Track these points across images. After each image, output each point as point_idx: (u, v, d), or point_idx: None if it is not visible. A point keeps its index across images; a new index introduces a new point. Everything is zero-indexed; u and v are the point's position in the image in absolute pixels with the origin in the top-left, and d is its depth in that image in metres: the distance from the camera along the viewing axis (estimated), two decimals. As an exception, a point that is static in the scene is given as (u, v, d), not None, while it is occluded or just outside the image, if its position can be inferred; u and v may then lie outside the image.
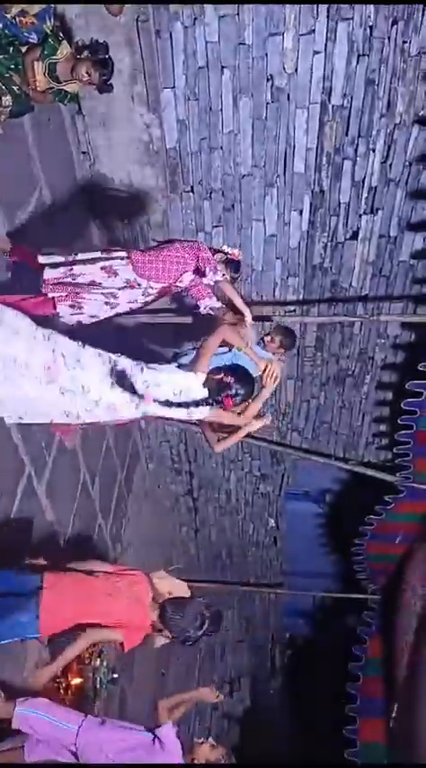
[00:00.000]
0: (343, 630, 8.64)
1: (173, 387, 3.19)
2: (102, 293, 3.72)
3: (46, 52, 3.63)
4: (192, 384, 3.23)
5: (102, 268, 3.68)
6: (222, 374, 3.29)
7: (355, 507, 7.54)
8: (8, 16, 3.49)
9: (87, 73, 3.68)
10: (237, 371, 3.34)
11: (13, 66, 3.62)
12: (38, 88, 3.73)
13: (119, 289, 3.75)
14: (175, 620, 3.35)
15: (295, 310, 5.89)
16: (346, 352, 6.33)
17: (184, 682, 9.44)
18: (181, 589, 3.82)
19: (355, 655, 7.76)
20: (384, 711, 7.29)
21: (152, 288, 3.81)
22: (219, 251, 4.06)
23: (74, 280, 3.66)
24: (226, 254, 4.04)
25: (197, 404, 3.22)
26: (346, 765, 7.13)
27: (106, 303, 3.78)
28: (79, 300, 3.69)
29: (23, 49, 3.63)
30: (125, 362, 3.15)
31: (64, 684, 4.66)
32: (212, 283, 3.93)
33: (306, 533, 8.94)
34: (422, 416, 5.86)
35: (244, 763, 9.27)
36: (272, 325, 4.98)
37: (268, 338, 4.71)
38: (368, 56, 4.42)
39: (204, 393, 3.24)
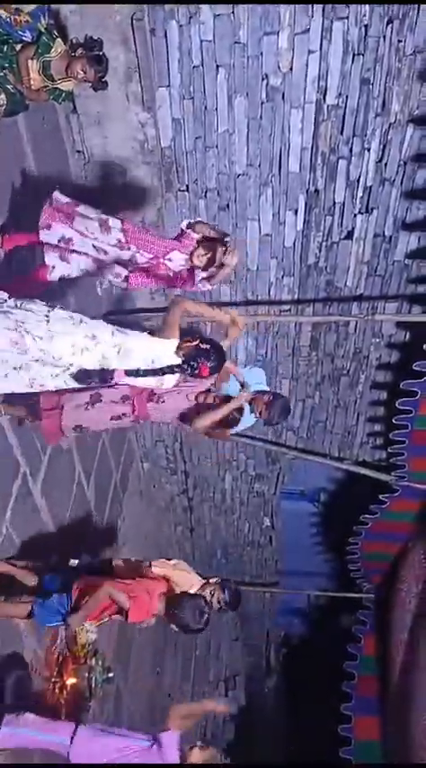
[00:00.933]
0: (338, 629, 8.66)
1: (145, 354, 3.10)
2: (93, 245, 3.81)
3: (40, 50, 3.61)
4: (165, 350, 3.14)
5: (98, 220, 3.80)
6: (197, 341, 3.20)
7: (350, 506, 7.56)
8: (2, 15, 3.47)
9: (82, 70, 3.66)
10: (212, 341, 3.27)
11: (7, 65, 3.61)
12: (32, 86, 3.72)
13: (111, 245, 3.82)
14: (178, 617, 3.49)
15: (290, 310, 5.89)
16: (341, 351, 6.34)
17: (180, 680, 9.45)
18: (183, 580, 3.86)
19: (350, 653, 7.78)
20: (379, 710, 7.31)
21: (141, 256, 3.86)
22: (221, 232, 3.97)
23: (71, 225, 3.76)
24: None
25: (171, 371, 3.13)
26: (343, 765, 7.15)
27: (95, 260, 3.84)
28: (69, 254, 3.77)
29: (17, 48, 3.61)
30: (95, 325, 3.07)
31: (59, 684, 4.66)
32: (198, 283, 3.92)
33: (302, 532, 8.95)
34: (417, 416, 5.88)
35: (240, 762, 9.28)
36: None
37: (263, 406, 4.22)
38: (363, 55, 4.42)
39: (176, 360, 3.14)
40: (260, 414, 4.10)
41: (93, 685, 5.24)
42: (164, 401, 3.88)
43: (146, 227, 4.04)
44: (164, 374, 3.11)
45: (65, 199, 3.85)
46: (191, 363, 3.12)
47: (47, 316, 2.95)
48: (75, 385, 3.15)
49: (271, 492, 8.35)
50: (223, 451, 7.78)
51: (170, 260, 3.90)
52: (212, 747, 3.61)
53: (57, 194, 3.85)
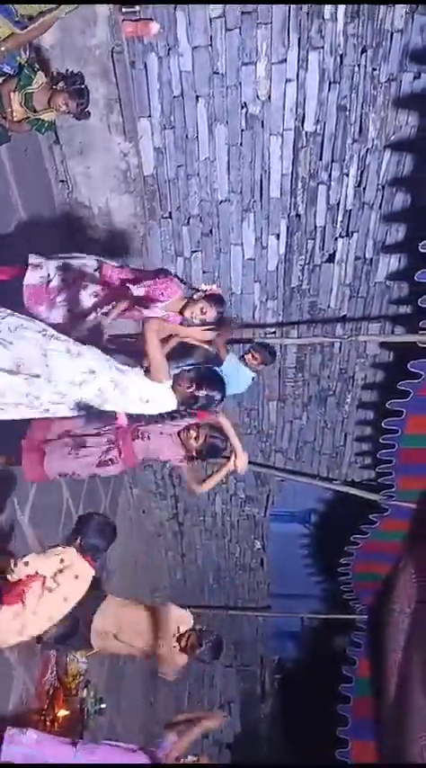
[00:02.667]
0: (332, 651, 8.59)
1: (141, 392, 3.06)
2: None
3: (22, 83, 3.67)
4: (160, 392, 3.08)
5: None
6: (192, 386, 3.12)
7: (340, 527, 7.54)
8: None
9: (64, 103, 3.72)
10: (204, 376, 3.19)
11: (-13, 99, 3.66)
12: (14, 118, 3.77)
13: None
14: None
15: (275, 332, 5.94)
16: (327, 372, 6.39)
17: (173, 709, 9.30)
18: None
19: (345, 675, 7.71)
20: (375, 733, 7.23)
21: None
22: (196, 290, 3.91)
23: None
24: (204, 291, 3.84)
25: (166, 416, 3.12)
26: (341, 764, 7.07)
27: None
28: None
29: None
30: (93, 356, 3.02)
31: (50, 717, 4.57)
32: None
33: (293, 554, 8.91)
34: (404, 435, 5.91)
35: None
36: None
37: (248, 356, 4.75)
38: (339, 83, 4.53)
39: (173, 403, 3.09)
40: (252, 360, 4.67)
41: (86, 717, 5.15)
42: (149, 438, 3.85)
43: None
44: (158, 421, 3.10)
45: (35, 279, 3.67)
46: (188, 410, 3.10)
47: (44, 352, 2.89)
48: (73, 413, 3.11)
49: (262, 514, 8.33)
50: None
51: (147, 308, 3.85)
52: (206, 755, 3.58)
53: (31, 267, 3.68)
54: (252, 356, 4.73)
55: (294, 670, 10.19)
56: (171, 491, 8.09)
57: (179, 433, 3.79)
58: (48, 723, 4.51)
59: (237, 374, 4.63)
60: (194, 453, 3.78)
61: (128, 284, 3.78)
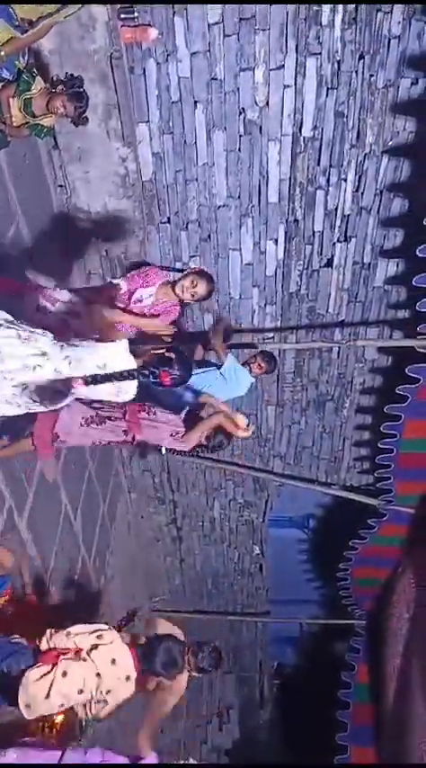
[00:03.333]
0: (331, 657, 8.56)
1: (96, 359, 2.97)
2: None
3: (20, 88, 3.68)
4: (115, 354, 2.98)
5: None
6: (164, 350, 3.10)
7: (339, 532, 7.53)
8: None
9: (62, 106, 3.73)
10: (180, 353, 3.15)
11: (-14, 104, 3.67)
12: (13, 123, 3.78)
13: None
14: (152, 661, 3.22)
15: (273, 337, 5.94)
16: (325, 377, 6.39)
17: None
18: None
19: (344, 681, 7.68)
20: (374, 739, 7.20)
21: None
22: (182, 271, 4.08)
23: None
24: (191, 268, 4.02)
25: (128, 376, 2.99)
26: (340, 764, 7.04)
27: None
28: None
29: (-1, 86, 3.68)
30: (43, 338, 2.98)
31: (48, 723, 4.55)
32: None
33: (291, 559, 8.89)
34: (402, 439, 5.90)
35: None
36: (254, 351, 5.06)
37: (254, 365, 4.77)
38: (336, 89, 4.56)
39: (131, 363, 3.00)
40: (257, 369, 4.71)
41: (83, 723, 5.12)
42: (155, 413, 3.90)
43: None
44: (120, 380, 3.03)
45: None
46: (152, 370, 2.98)
47: None
48: (37, 408, 3.09)
49: (260, 519, 8.31)
50: (211, 480, 7.76)
51: (138, 301, 3.92)
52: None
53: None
54: (259, 365, 4.75)
55: (293, 675, 10.15)
56: (169, 496, 8.07)
57: (184, 421, 3.85)
58: (46, 729, 4.49)
59: (236, 377, 4.64)
60: (200, 445, 3.87)
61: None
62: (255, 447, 7.18)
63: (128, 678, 3.13)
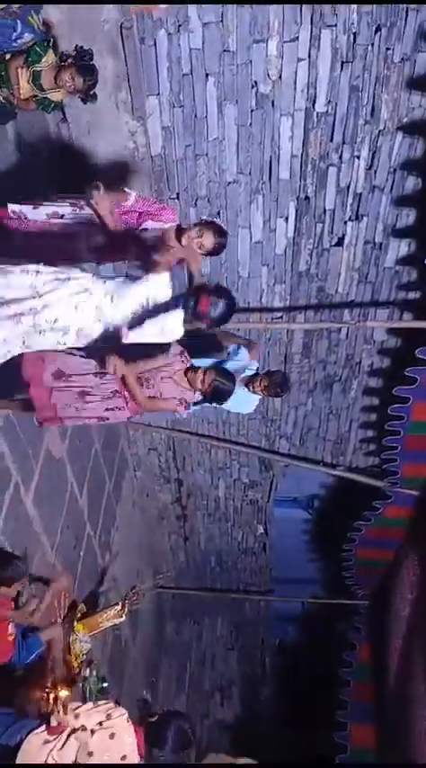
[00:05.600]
0: (333, 636, 8.63)
1: (139, 296, 3.00)
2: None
3: (31, 59, 3.61)
4: (158, 286, 3.00)
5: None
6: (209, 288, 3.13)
7: (343, 513, 7.55)
8: None
9: (71, 79, 3.66)
10: (221, 288, 3.21)
11: (-5, 74, 3.61)
12: (21, 95, 3.72)
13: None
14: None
15: (281, 317, 5.89)
16: (333, 358, 6.35)
17: (175, 690, 9.39)
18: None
19: (345, 660, 7.76)
20: (374, 717, 7.28)
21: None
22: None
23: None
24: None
25: (168, 307, 2.99)
26: (340, 765, 7.13)
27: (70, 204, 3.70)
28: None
29: (8, 57, 3.62)
30: (84, 275, 3.00)
31: (53, 695, 4.61)
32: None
33: (295, 540, 8.94)
34: (410, 422, 5.88)
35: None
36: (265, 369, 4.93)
37: (256, 384, 4.51)
38: (351, 63, 4.45)
39: (169, 292, 3.01)
40: (262, 391, 4.44)
41: (87, 696, 5.19)
42: (152, 385, 3.83)
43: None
44: (161, 320, 2.99)
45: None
46: (192, 298, 3.00)
47: (32, 286, 2.89)
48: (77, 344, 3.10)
49: (265, 499, 8.34)
50: (216, 459, 7.77)
51: (144, 230, 3.76)
52: (223, 752, 3.47)
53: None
54: (260, 384, 4.49)
55: (295, 653, 10.25)
56: (174, 475, 8.10)
57: (185, 372, 3.77)
58: (50, 701, 4.55)
59: (242, 396, 4.50)
60: (201, 393, 3.75)
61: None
62: (261, 427, 7.17)
63: (123, 758, 2.98)
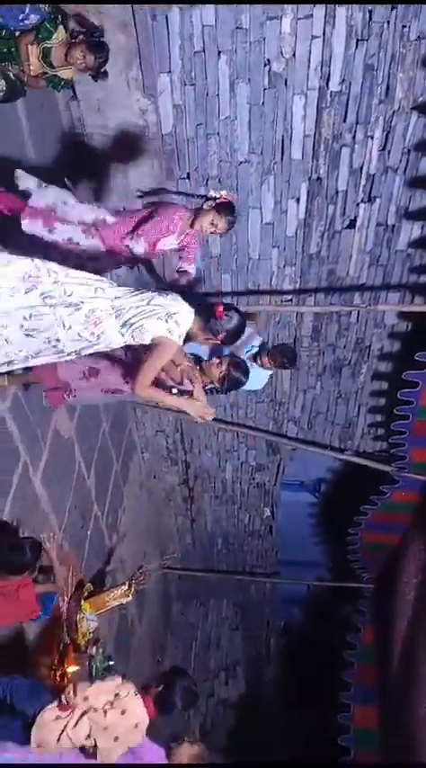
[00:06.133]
0: (338, 619, 8.68)
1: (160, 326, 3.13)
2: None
3: (41, 36, 3.57)
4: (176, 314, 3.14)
5: (81, 226, 3.73)
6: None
7: (350, 497, 7.56)
8: None
9: (82, 56, 3.62)
10: (232, 307, 3.35)
11: (6, 50, 3.56)
12: (31, 73, 3.67)
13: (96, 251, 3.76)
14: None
15: (291, 300, 5.85)
16: (343, 341, 6.31)
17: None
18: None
19: (349, 642, 7.81)
20: (377, 699, 7.34)
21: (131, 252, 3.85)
22: (205, 197, 3.86)
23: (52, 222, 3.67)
24: (213, 198, 3.79)
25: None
26: (342, 765, 7.20)
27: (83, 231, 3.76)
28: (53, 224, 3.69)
29: (17, 33, 3.57)
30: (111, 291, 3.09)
31: (60, 672, 4.67)
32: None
33: (302, 523, 8.96)
34: (419, 406, 5.86)
35: (241, 748, 9.34)
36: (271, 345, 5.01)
37: (265, 359, 4.67)
38: (366, 41, 4.36)
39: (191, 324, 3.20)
40: (270, 364, 4.63)
41: (94, 674, 5.25)
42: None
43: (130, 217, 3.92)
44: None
45: (41, 204, 3.69)
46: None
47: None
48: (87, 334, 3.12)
49: (272, 483, 8.35)
50: (224, 442, 7.77)
51: (161, 248, 3.85)
52: (198, 744, 3.61)
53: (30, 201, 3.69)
54: (269, 359, 4.67)
55: (299, 635, 10.33)
56: (182, 457, 8.12)
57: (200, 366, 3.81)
58: (57, 678, 4.62)
59: (253, 375, 4.56)
60: (216, 383, 3.78)
61: (132, 241, 3.79)
62: (269, 411, 7.16)
63: (136, 726, 3.26)
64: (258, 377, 4.65)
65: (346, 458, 7.24)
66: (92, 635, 4.96)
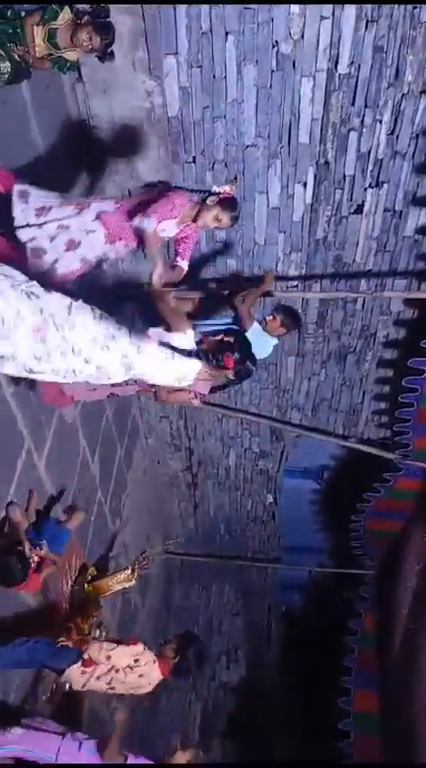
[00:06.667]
0: (339, 604, 8.73)
1: (170, 373, 3.10)
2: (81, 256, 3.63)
3: (47, 17, 3.51)
4: (188, 368, 3.12)
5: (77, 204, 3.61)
6: (221, 335, 3.18)
7: (353, 484, 7.57)
8: None
9: (88, 37, 3.56)
10: (236, 334, 3.26)
11: (11, 31, 3.51)
12: (36, 54, 3.62)
13: (97, 246, 3.63)
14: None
15: (297, 285, 5.81)
16: (348, 328, 6.28)
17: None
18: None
19: (351, 628, 7.86)
20: (378, 683, 7.40)
21: (130, 245, 3.74)
22: (208, 192, 3.74)
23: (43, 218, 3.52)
24: (217, 194, 3.69)
25: (189, 354, 3.09)
26: (344, 765, 7.28)
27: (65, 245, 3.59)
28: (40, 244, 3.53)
29: (23, 14, 3.51)
30: (114, 324, 2.99)
31: (74, 634, 4.77)
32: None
33: (304, 509, 8.99)
34: (424, 394, 5.85)
35: (241, 732, 9.44)
36: (275, 304, 4.95)
37: (270, 317, 4.66)
38: (376, 22, 4.29)
39: (192, 344, 3.15)
40: (274, 325, 4.61)
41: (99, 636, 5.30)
42: None
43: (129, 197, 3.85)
44: (182, 363, 3.08)
45: (36, 204, 3.55)
46: (217, 357, 3.09)
47: (69, 306, 2.86)
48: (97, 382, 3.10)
49: (275, 469, 8.36)
50: (227, 428, 7.77)
51: (162, 230, 3.72)
52: (193, 747, 3.81)
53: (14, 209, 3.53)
54: (274, 318, 4.63)
55: (300, 620, 10.40)
56: (185, 443, 8.12)
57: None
58: (72, 632, 4.69)
59: (260, 341, 4.55)
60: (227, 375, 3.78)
61: (135, 221, 3.66)
62: (273, 397, 7.15)
63: (150, 684, 3.90)
64: (266, 344, 4.64)
65: (350, 445, 7.23)
66: (95, 618, 5.00)
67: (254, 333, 4.48)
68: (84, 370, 2.96)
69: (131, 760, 3.59)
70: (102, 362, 2.95)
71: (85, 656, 3.77)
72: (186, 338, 3.18)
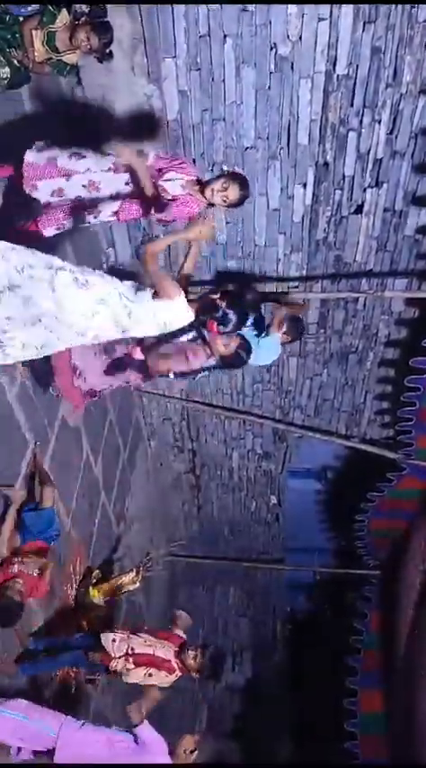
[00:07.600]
0: (343, 605, 8.73)
1: (158, 320, 2.99)
2: (83, 185, 3.64)
3: (45, 20, 3.53)
4: (175, 311, 3.00)
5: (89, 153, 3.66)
6: (218, 295, 3.17)
7: (356, 484, 7.56)
8: None
9: (87, 37, 3.57)
10: (235, 298, 3.23)
11: (9, 37, 3.53)
12: (36, 59, 3.64)
13: (104, 172, 3.64)
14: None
15: (298, 286, 5.82)
16: (349, 328, 6.28)
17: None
18: None
19: (356, 628, 7.84)
20: (383, 682, 7.39)
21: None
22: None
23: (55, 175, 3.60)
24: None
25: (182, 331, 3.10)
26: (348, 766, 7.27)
27: (87, 202, 3.64)
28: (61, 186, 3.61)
29: (21, 18, 3.53)
30: (102, 285, 2.95)
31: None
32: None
33: (308, 510, 8.98)
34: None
35: (246, 733, 9.43)
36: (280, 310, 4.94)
37: (274, 326, 4.69)
38: (374, 23, 4.30)
39: (190, 316, 3.03)
40: (278, 328, 4.63)
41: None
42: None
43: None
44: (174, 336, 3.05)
45: (44, 156, 3.65)
46: (201, 319, 3.06)
47: (52, 285, 2.83)
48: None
49: (278, 470, 8.37)
50: (230, 430, 7.78)
51: (168, 180, 3.65)
52: (200, 732, 3.76)
53: (30, 157, 3.63)
54: (279, 324, 4.67)
55: (305, 621, 10.40)
56: (188, 445, 8.13)
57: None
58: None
59: (272, 349, 4.65)
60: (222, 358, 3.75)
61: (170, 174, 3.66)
62: (276, 398, 7.16)
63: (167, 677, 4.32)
64: (272, 348, 4.67)
65: (353, 445, 7.23)
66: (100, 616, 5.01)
67: (273, 340, 4.59)
68: (82, 341, 2.99)
69: (146, 728, 3.58)
70: (97, 329, 2.96)
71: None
72: (181, 310, 3.05)
